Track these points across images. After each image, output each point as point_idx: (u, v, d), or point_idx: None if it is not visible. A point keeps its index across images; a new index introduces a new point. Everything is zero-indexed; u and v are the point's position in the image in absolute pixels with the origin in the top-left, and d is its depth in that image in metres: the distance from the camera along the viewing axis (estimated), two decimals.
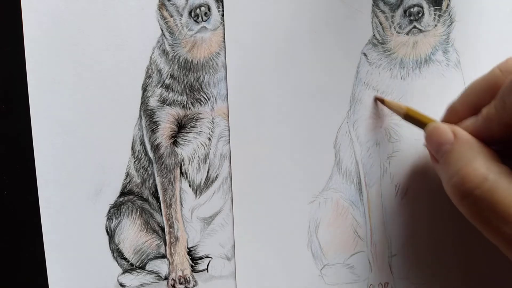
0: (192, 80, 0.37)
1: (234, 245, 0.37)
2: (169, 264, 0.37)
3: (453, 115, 0.32)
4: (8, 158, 0.36)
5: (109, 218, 0.37)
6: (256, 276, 0.38)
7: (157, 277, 0.37)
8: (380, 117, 0.38)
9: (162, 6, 0.36)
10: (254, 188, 0.37)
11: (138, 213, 0.37)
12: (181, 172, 0.37)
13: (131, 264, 0.37)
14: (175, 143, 0.37)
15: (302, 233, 0.38)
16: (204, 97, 0.37)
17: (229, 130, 0.37)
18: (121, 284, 0.37)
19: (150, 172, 0.37)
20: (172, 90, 0.37)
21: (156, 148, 0.37)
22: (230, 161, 0.37)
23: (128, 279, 0.37)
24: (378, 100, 0.37)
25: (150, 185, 0.37)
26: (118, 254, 0.37)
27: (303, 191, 0.37)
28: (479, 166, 0.27)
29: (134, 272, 0.37)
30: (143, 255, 0.37)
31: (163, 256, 0.38)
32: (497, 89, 0.28)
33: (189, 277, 0.38)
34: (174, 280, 0.37)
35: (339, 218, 0.38)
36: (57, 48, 0.35)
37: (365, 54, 0.37)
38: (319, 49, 0.37)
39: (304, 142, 0.37)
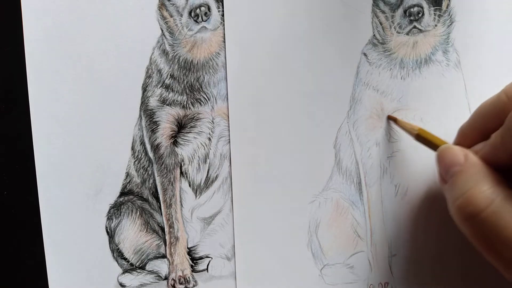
0: (192, 80, 0.37)
1: (234, 245, 0.37)
2: (169, 264, 0.38)
3: (464, 139, 0.32)
4: (8, 158, 0.36)
5: (109, 218, 0.37)
6: (256, 276, 0.38)
7: (157, 277, 0.37)
8: (380, 117, 0.38)
9: (162, 6, 0.36)
10: (254, 188, 0.37)
11: (138, 213, 0.37)
12: (181, 172, 0.37)
13: (131, 264, 0.37)
14: (175, 143, 0.37)
15: (302, 233, 0.38)
16: (204, 97, 0.37)
17: (229, 130, 0.37)
18: (121, 284, 0.37)
19: (150, 172, 0.37)
20: (172, 90, 0.36)
21: (156, 148, 0.37)
22: (230, 161, 0.37)
23: (128, 279, 0.37)
24: (391, 119, 0.37)
25: (150, 185, 0.37)
26: (118, 254, 0.37)
27: (303, 191, 0.37)
28: (486, 189, 0.27)
29: (134, 272, 0.37)
30: (143, 255, 0.37)
31: (163, 256, 0.38)
32: (503, 114, 0.28)
33: (189, 277, 0.38)
34: (174, 280, 0.37)
35: (339, 218, 0.38)
36: (57, 48, 0.35)
37: (365, 54, 0.37)
38: (319, 49, 0.37)
39: (304, 142, 0.37)
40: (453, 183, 0.29)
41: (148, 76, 0.36)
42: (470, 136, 0.32)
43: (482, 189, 0.27)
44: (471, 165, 0.29)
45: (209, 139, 0.37)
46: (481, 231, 0.27)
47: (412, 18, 0.37)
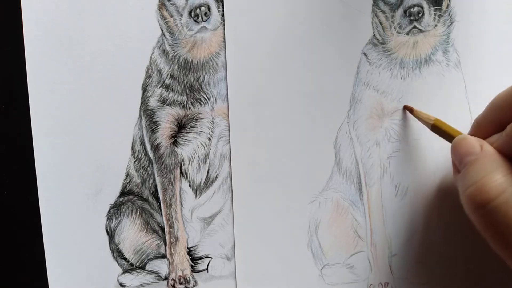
0: (192, 80, 0.37)
1: (234, 245, 0.37)
2: (169, 264, 0.38)
3: (479, 130, 0.32)
4: (8, 158, 0.36)
5: (109, 218, 0.37)
6: (256, 276, 0.38)
7: (157, 277, 0.37)
8: (380, 117, 0.38)
9: (162, 6, 0.36)
10: (254, 188, 0.37)
11: (138, 213, 0.37)
12: (181, 172, 0.37)
13: (131, 264, 0.37)
14: (175, 143, 0.37)
15: (302, 233, 0.38)
16: (204, 97, 0.37)
17: (229, 130, 0.37)
18: (121, 284, 0.37)
19: (150, 172, 0.37)
20: (172, 90, 0.37)
21: (156, 148, 0.37)
22: (230, 161, 0.37)
23: (128, 279, 0.37)
24: (407, 109, 0.37)
25: (150, 185, 0.37)
26: (118, 254, 0.37)
27: (303, 191, 0.37)
28: (499, 178, 0.26)
29: (134, 272, 0.37)
30: (143, 255, 0.37)
31: (163, 256, 0.38)
32: None
33: (189, 277, 0.38)
34: (174, 280, 0.37)
35: (339, 218, 0.38)
36: (57, 48, 0.35)
37: (365, 54, 0.37)
38: (319, 49, 0.37)
39: (304, 142, 0.37)
40: (466, 172, 0.28)
41: (148, 76, 0.36)
42: (485, 127, 0.31)
43: (495, 178, 0.26)
44: (486, 154, 0.28)
45: (209, 139, 0.37)
46: (491, 221, 0.26)
47: (412, 18, 0.37)
